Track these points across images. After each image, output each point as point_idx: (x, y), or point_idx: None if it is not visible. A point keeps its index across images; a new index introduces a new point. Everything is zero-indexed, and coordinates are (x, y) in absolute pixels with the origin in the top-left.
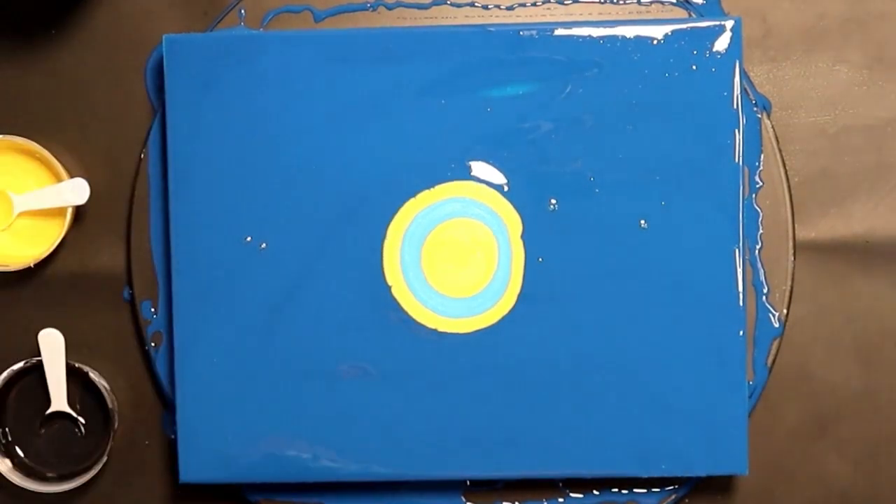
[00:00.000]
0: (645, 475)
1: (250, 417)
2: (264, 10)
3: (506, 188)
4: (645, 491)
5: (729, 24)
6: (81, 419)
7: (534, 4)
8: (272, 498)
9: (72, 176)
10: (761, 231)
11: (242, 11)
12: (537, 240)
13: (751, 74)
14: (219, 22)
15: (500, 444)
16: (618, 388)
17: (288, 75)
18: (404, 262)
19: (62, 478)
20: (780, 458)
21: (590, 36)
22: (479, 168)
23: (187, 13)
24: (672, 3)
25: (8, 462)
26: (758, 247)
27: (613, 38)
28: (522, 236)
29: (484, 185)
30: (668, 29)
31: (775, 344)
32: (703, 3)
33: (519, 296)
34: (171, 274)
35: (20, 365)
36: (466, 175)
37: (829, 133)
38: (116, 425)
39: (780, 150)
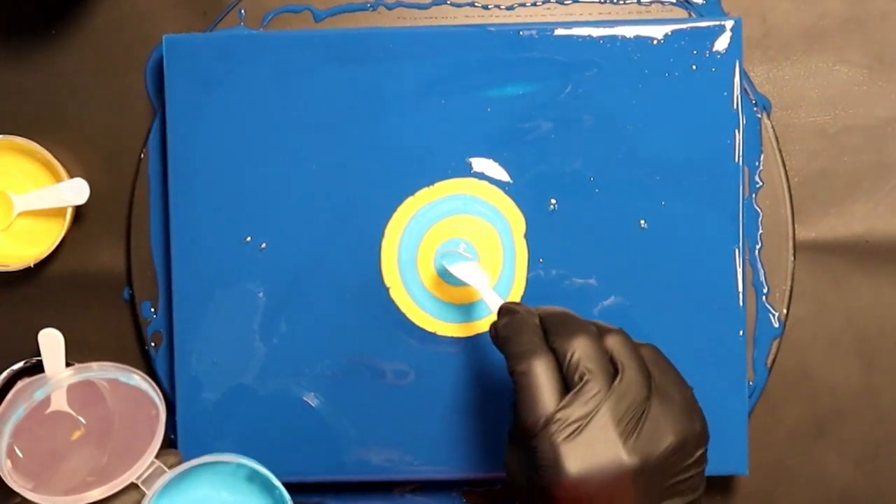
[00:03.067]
0: None
1: (250, 418)
2: (264, 10)
3: (508, 186)
4: None
5: (729, 24)
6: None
7: (534, 4)
8: None
9: (72, 176)
10: (761, 231)
11: (242, 11)
12: (538, 240)
13: (751, 74)
14: (219, 22)
15: (499, 444)
16: None
17: (288, 75)
18: (402, 262)
19: None
20: (780, 458)
21: (590, 36)
22: (481, 164)
23: (187, 13)
24: (672, 3)
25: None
26: (758, 247)
27: (613, 38)
28: (526, 236)
29: (486, 182)
30: (668, 29)
31: (775, 344)
32: (703, 3)
33: (521, 299)
34: (171, 274)
35: (20, 365)
36: (467, 172)
37: (829, 133)
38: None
39: (780, 150)
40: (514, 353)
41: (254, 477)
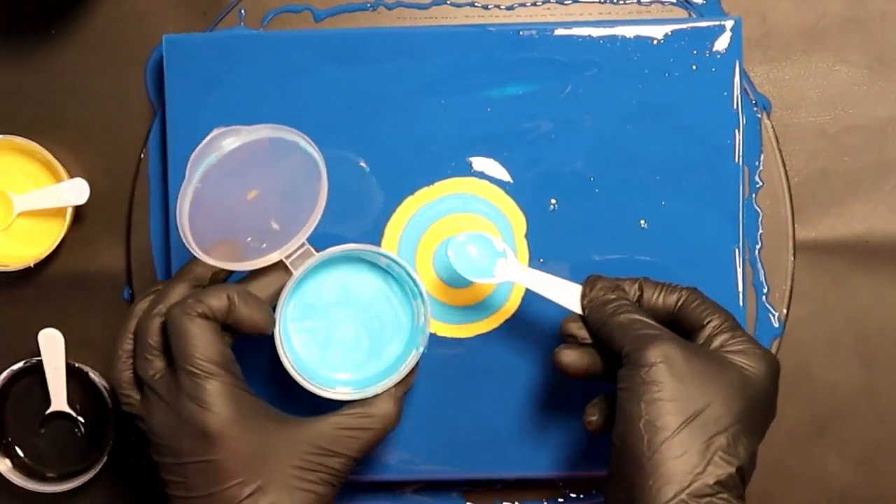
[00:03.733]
0: None
1: None
2: (264, 10)
3: (508, 186)
4: None
5: (729, 24)
6: (81, 419)
7: (534, 4)
8: None
9: (72, 176)
10: (761, 231)
11: (242, 11)
12: (539, 240)
13: (751, 74)
14: (219, 22)
15: (500, 444)
16: None
17: (288, 75)
18: None
19: (62, 478)
20: (780, 458)
21: (590, 36)
22: (482, 164)
23: (187, 13)
24: (672, 3)
25: (8, 462)
26: (758, 247)
27: (613, 38)
28: (526, 235)
29: (486, 182)
30: (668, 29)
31: (775, 344)
32: (703, 3)
33: (522, 299)
34: (171, 274)
35: (20, 365)
36: (468, 171)
37: (829, 133)
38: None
39: (780, 150)
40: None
41: (391, 268)
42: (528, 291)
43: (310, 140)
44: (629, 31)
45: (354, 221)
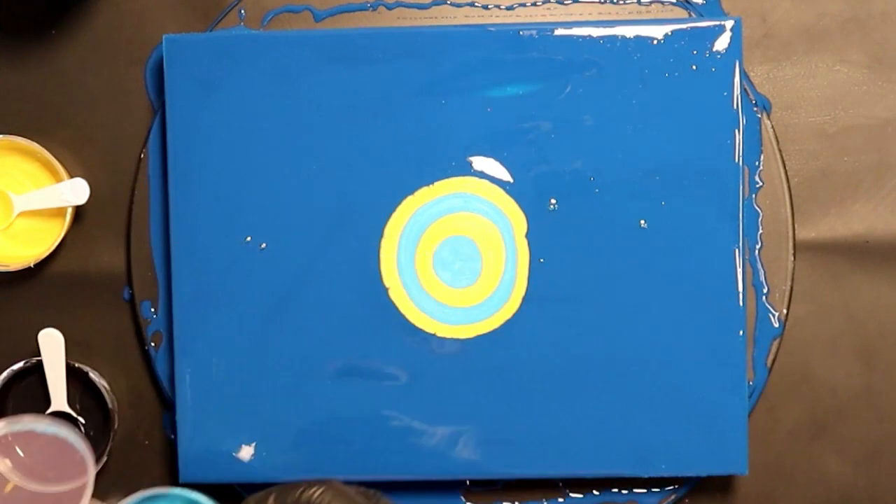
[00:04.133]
0: (645, 475)
1: (249, 418)
2: (264, 10)
3: (508, 185)
4: (645, 491)
5: (729, 24)
6: (81, 419)
7: (534, 4)
8: None
9: (72, 176)
10: (761, 231)
11: (242, 11)
12: (539, 240)
13: (751, 74)
14: (219, 22)
15: (500, 444)
16: (618, 388)
17: (288, 75)
18: (401, 262)
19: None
20: (780, 458)
21: (590, 36)
22: (482, 163)
23: (187, 13)
24: (672, 3)
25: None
26: (758, 247)
27: (613, 38)
28: (527, 235)
29: (486, 181)
30: (668, 29)
31: (775, 344)
32: (703, 3)
33: (523, 299)
34: (171, 274)
35: (20, 365)
36: (468, 171)
37: (829, 133)
38: (116, 425)
39: (780, 150)
40: None
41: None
42: (528, 290)
43: (54, 421)
44: (629, 31)
45: (354, 220)
